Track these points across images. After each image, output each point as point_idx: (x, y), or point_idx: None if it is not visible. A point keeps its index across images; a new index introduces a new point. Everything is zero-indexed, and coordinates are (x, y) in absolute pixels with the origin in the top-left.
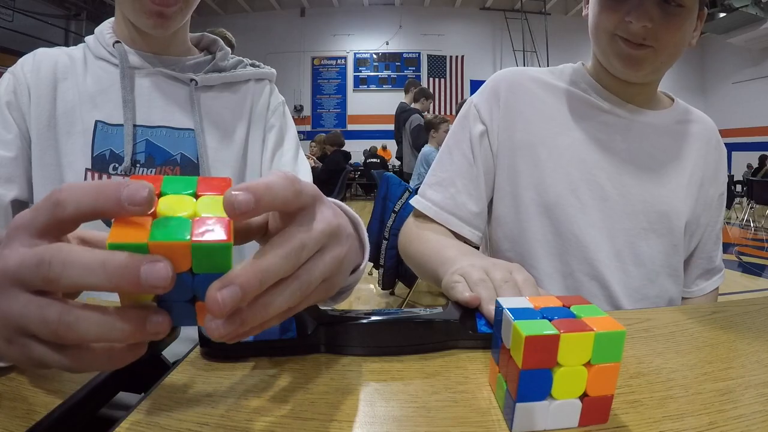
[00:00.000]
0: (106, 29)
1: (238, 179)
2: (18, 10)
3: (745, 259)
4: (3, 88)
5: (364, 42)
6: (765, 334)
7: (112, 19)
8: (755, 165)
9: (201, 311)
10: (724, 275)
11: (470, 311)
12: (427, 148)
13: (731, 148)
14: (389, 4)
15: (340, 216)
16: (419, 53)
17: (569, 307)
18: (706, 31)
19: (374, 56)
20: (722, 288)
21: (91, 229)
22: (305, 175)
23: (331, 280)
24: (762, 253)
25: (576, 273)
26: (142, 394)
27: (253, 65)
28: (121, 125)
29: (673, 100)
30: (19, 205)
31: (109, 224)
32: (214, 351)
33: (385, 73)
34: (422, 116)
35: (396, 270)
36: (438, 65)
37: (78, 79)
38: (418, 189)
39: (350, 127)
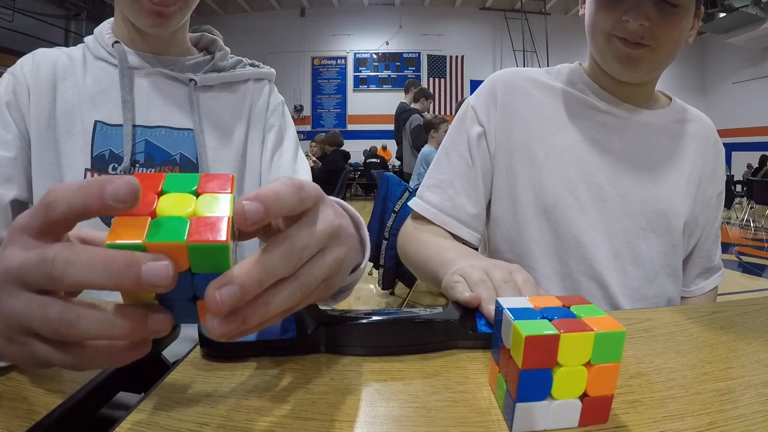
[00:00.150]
0: (105, 29)
1: (237, 179)
2: (18, 10)
3: (745, 259)
4: (2, 89)
5: (364, 42)
6: (765, 334)
7: (112, 19)
8: (755, 165)
9: (203, 309)
10: (723, 274)
11: (470, 311)
12: (426, 148)
13: (731, 148)
14: (389, 4)
15: (341, 216)
16: (419, 53)
17: (569, 307)
18: (706, 31)
19: (374, 56)
20: (722, 288)
21: (91, 229)
22: (304, 175)
23: (330, 280)
24: (762, 253)
25: (574, 273)
26: (142, 394)
27: (252, 65)
28: (121, 125)
29: (670, 99)
30: (18, 205)
31: (109, 224)
32: (214, 351)
33: (385, 73)
34: (422, 116)
35: (396, 270)
36: (438, 65)
37: (77, 80)
38: (418, 189)
39: (350, 127)
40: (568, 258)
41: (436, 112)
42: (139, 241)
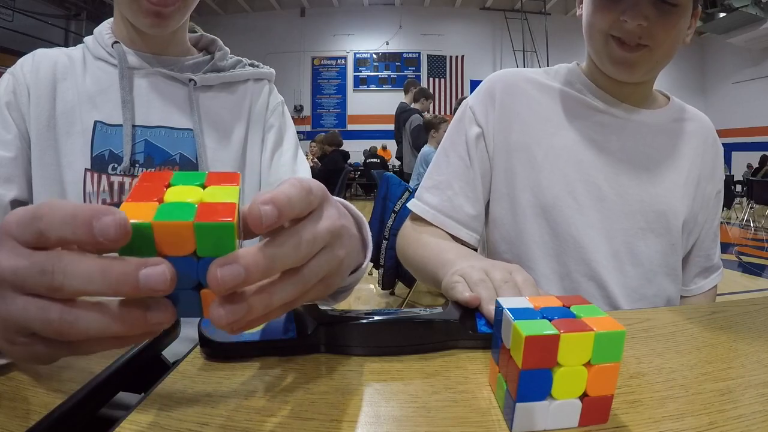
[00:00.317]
0: (104, 30)
1: None
2: (18, 10)
3: (745, 259)
4: (2, 89)
5: (364, 42)
6: (765, 334)
7: (111, 19)
8: (755, 165)
9: (206, 301)
10: (723, 273)
11: (470, 311)
12: (426, 148)
13: (731, 148)
14: (389, 4)
15: (344, 216)
16: (419, 53)
17: (569, 307)
18: (706, 31)
19: (374, 56)
20: (722, 288)
21: None
22: (305, 175)
23: (328, 280)
24: (762, 253)
25: (573, 274)
26: (142, 394)
27: (252, 65)
28: (120, 125)
29: (668, 98)
30: (18, 205)
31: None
32: (214, 351)
33: (385, 73)
34: (422, 116)
35: (396, 270)
36: (438, 65)
37: (77, 80)
38: (417, 190)
39: (350, 127)
40: (567, 258)
41: (436, 112)
42: (147, 221)
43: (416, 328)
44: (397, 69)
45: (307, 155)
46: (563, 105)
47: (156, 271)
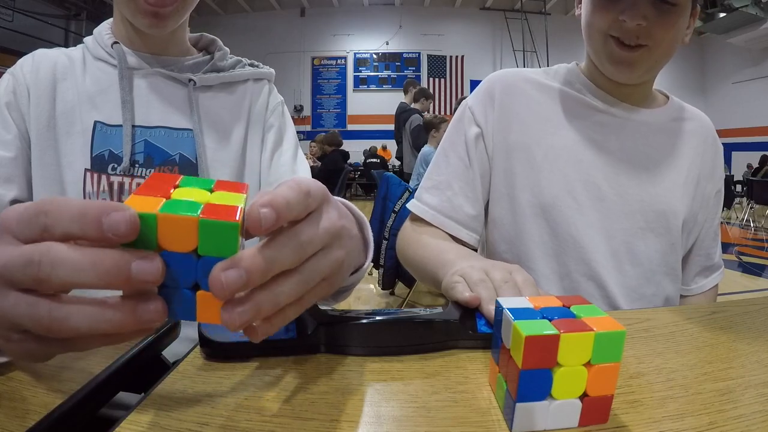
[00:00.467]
0: (104, 30)
1: (236, 179)
2: (18, 10)
3: (745, 259)
4: (2, 89)
5: (364, 42)
6: (765, 334)
7: (111, 19)
8: (755, 165)
9: (202, 305)
10: (724, 272)
11: (470, 311)
12: (426, 148)
13: (731, 148)
14: (389, 4)
15: (344, 217)
16: (419, 53)
17: (569, 307)
18: (706, 31)
19: (374, 56)
20: (722, 288)
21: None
22: (304, 175)
23: (329, 280)
24: (762, 253)
25: (573, 274)
26: (142, 394)
27: (251, 65)
28: (120, 126)
29: (667, 97)
30: None
31: None
32: (214, 351)
33: (385, 73)
34: (422, 116)
35: (396, 270)
36: (438, 65)
37: (77, 80)
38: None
39: (350, 127)
40: (567, 258)
41: (436, 112)
42: (152, 212)
43: (416, 328)
44: (397, 69)
45: (307, 155)
46: (563, 105)
47: (147, 264)
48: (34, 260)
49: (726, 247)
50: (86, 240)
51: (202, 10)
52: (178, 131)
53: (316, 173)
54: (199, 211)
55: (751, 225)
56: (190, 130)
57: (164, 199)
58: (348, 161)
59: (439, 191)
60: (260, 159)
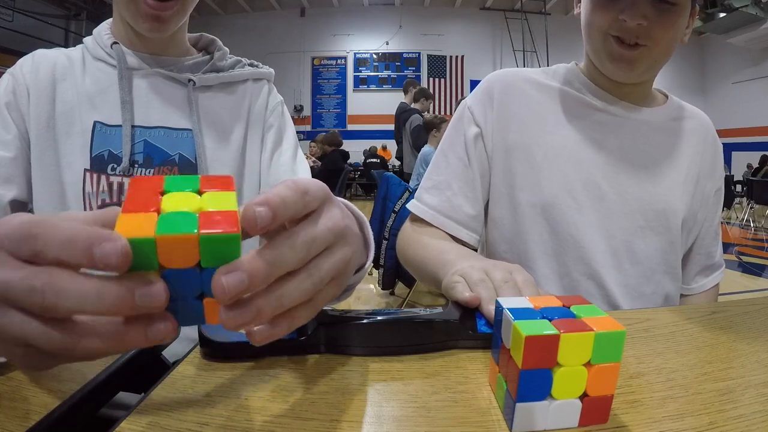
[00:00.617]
0: (104, 30)
1: (236, 179)
2: (18, 10)
3: (745, 259)
4: (2, 89)
5: (364, 42)
6: (765, 334)
7: (110, 20)
8: (755, 165)
9: (209, 308)
10: (725, 271)
11: (470, 311)
12: (426, 148)
13: (731, 148)
14: (389, 4)
15: (347, 217)
16: (419, 53)
17: (569, 307)
18: (706, 31)
19: (374, 56)
20: (722, 288)
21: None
22: (304, 175)
23: (338, 280)
24: (762, 253)
25: (573, 273)
26: (142, 394)
27: (251, 65)
28: (120, 126)
29: (667, 97)
30: (18, 205)
31: None
32: (214, 351)
33: (385, 73)
34: (422, 116)
35: (396, 270)
36: (438, 65)
37: (76, 80)
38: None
39: (350, 127)
40: (566, 257)
41: (436, 112)
42: (151, 236)
43: (416, 328)
44: (397, 69)
45: (307, 155)
46: (562, 104)
47: (151, 291)
48: (37, 288)
49: (726, 247)
50: (77, 266)
51: (202, 10)
52: (178, 131)
53: (316, 173)
54: (197, 225)
55: (751, 225)
56: (190, 130)
57: (156, 214)
58: (348, 161)
59: (439, 191)
60: (260, 159)
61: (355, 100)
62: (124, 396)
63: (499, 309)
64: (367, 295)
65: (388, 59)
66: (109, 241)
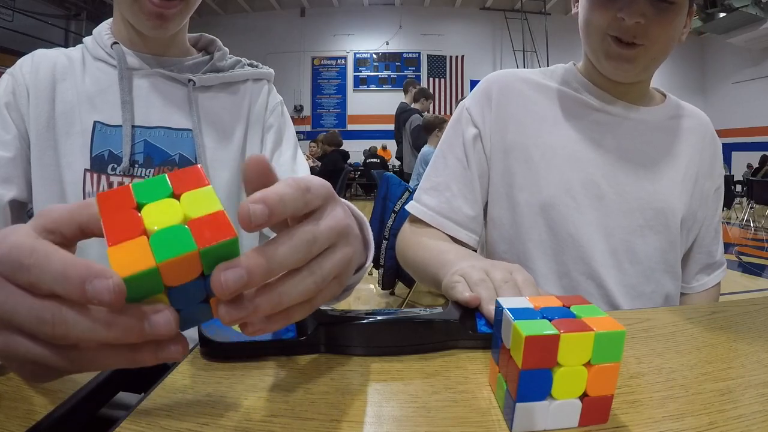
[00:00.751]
0: (104, 30)
1: (236, 179)
2: (18, 10)
3: (745, 259)
4: (2, 89)
5: (364, 42)
6: (765, 334)
7: (111, 20)
8: (755, 165)
9: (216, 307)
10: (726, 270)
11: (470, 311)
12: (426, 148)
13: (731, 148)
14: (389, 4)
15: (349, 216)
16: (419, 53)
17: (569, 307)
18: (706, 31)
19: (374, 56)
20: (722, 288)
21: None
22: (304, 175)
23: (339, 279)
24: (762, 253)
25: (572, 272)
26: (142, 394)
27: (251, 65)
28: (120, 126)
29: (665, 96)
30: (17, 205)
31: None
32: (214, 351)
33: (385, 73)
34: (422, 116)
35: (396, 270)
36: (438, 65)
37: (76, 80)
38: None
39: (350, 127)
40: (566, 257)
41: (436, 112)
42: (153, 266)
43: (416, 328)
44: (397, 69)
45: (307, 155)
46: (560, 104)
47: (159, 319)
48: (47, 320)
49: (726, 247)
50: (65, 296)
51: (202, 10)
52: (178, 131)
53: (316, 173)
54: (192, 239)
55: (751, 225)
56: (190, 130)
57: (145, 238)
58: (348, 161)
59: (438, 192)
60: None
61: (355, 100)
62: (124, 396)
63: (499, 309)
64: (367, 295)
65: (388, 59)
66: (101, 278)
